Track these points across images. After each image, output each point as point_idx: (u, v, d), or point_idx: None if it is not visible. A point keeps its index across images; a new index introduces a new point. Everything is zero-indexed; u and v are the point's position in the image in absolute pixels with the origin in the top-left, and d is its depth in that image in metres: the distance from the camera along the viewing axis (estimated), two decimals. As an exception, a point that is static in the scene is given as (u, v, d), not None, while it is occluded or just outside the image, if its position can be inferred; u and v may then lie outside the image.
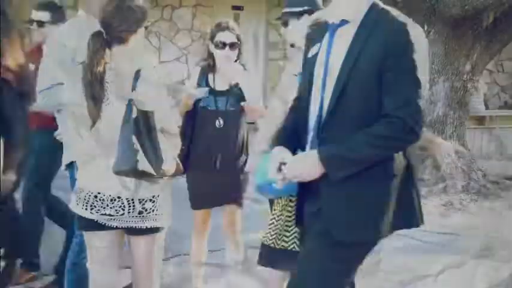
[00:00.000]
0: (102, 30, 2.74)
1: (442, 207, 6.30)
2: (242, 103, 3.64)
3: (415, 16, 7.26)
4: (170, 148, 2.77)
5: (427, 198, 6.55)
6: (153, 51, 10.31)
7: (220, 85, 3.70)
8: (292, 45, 3.37)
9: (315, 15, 2.89)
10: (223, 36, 3.66)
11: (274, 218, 2.97)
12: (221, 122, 3.65)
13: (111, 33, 2.73)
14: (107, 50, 2.73)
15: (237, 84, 3.69)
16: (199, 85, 3.70)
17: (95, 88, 2.68)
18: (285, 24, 3.47)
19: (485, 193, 6.79)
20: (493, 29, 7.33)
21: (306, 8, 3.35)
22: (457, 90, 7.24)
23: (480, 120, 9.56)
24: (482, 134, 9.40)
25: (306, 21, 3.11)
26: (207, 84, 3.70)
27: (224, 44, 3.65)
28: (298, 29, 3.26)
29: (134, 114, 2.64)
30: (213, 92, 3.65)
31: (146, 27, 2.87)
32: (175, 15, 10.50)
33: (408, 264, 4.97)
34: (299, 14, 3.37)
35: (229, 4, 10.86)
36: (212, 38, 3.70)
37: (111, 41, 2.74)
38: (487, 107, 11.94)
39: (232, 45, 3.67)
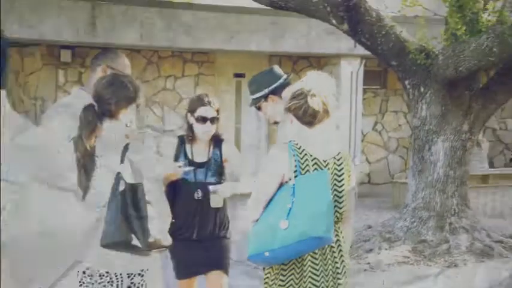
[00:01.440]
0: (94, 103, 2.84)
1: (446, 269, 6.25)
2: (210, 187, 3.70)
3: (411, 79, 7.39)
4: (159, 220, 2.81)
5: (432, 260, 6.50)
6: (156, 121, 10.48)
7: (199, 157, 3.77)
8: (275, 123, 3.47)
9: (293, 86, 3.00)
10: (204, 111, 3.74)
11: None
12: (200, 193, 3.71)
13: (102, 106, 2.82)
14: (98, 124, 2.82)
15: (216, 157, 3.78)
16: (177, 156, 3.76)
17: (85, 161, 2.76)
18: (259, 108, 3.61)
19: (489, 253, 6.72)
20: (488, 89, 7.42)
21: (265, 91, 3.46)
22: (456, 150, 7.27)
23: (484, 178, 9.55)
24: (486, 193, 9.37)
25: (276, 102, 3.22)
26: (186, 156, 3.76)
27: (205, 119, 3.73)
28: (269, 110, 3.39)
29: (122, 187, 2.70)
30: (191, 163, 3.70)
31: (138, 105, 2.96)
32: (178, 85, 10.71)
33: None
34: (264, 98, 3.49)
35: (231, 72, 11.09)
36: (192, 111, 3.78)
37: (102, 115, 2.83)
38: (492, 165, 11.94)
39: (212, 120, 3.75)
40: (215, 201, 3.71)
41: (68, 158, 2.83)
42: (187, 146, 3.79)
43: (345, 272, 2.97)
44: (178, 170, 3.62)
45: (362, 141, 11.62)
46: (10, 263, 2.81)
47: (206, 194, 3.73)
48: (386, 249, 6.77)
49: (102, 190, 2.75)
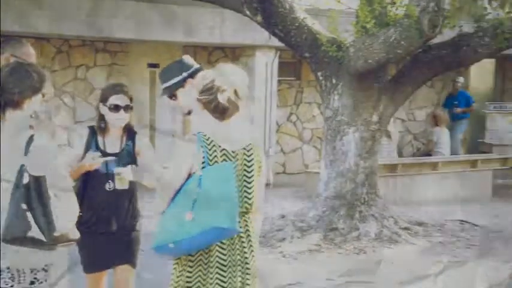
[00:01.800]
0: (-5, 93, 2.74)
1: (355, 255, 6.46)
2: (114, 169, 3.66)
3: (323, 70, 7.54)
4: (66, 214, 2.74)
5: (341, 247, 6.68)
6: (66, 111, 10.20)
7: (111, 147, 3.71)
8: (189, 113, 3.45)
9: (204, 76, 2.98)
10: (117, 99, 3.68)
11: (174, 280, 2.95)
12: (111, 185, 3.66)
13: (5, 96, 2.72)
14: (1, 114, 2.72)
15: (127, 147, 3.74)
16: (87, 147, 3.70)
17: None
18: (172, 97, 3.57)
19: (396, 239, 6.98)
20: (396, 81, 7.67)
21: (184, 75, 3.46)
22: (366, 140, 7.48)
23: (393, 168, 9.87)
24: (395, 182, 9.69)
25: (192, 86, 3.21)
26: (97, 147, 3.70)
27: (118, 107, 3.67)
28: (186, 98, 3.37)
29: (25, 180, 2.62)
30: (103, 154, 3.65)
31: (44, 95, 2.87)
32: (89, 75, 10.46)
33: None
34: (181, 83, 3.47)
35: (144, 62, 10.93)
36: (105, 100, 3.71)
37: (5, 105, 2.73)
38: (401, 155, 12.37)
39: (126, 108, 3.70)
40: (120, 183, 3.67)
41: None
42: (99, 137, 3.72)
43: (254, 262, 3.01)
44: (93, 161, 3.56)
45: (277, 131, 11.76)
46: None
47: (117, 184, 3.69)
48: (298, 238, 6.90)
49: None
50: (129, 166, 3.64)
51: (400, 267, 5.96)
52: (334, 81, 7.53)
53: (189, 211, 2.76)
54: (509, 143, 12.68)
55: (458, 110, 12.36)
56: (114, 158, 3.63)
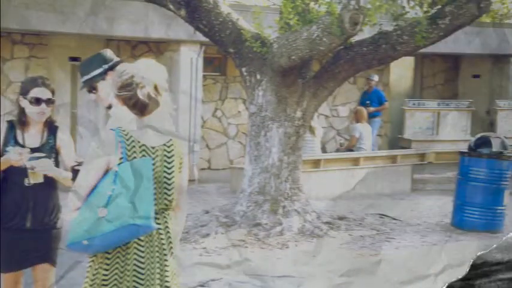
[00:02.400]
0: None
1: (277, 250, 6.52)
2: (26, 163, 3.56)
3: (247, 66, 7.55)
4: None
5: (265, 242, 6.73)
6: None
7: (31, 142, 3.61)
8: (110, 107, 3.37)
9: (123, 72, 2.92)
10: (39, 93, 3.59)
11: (89, 277, 2.89)
12: (31, 179, 3.56)
13: None
14: None
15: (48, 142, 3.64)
16: (6, 141, 3.58)
17: None
18: (92, 90, 3.49)
19: (318, 234, 7.09)
20: (319, 77, 7.77)
21: (104, 67, 3.40)
22: (290, 136, 7.56)
23: (316, 163, 10.01)
24: (318, 177, 9.83)
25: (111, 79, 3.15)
26: (16, 141, 3.59)
27: (39, 101, 3.58)
28: (107, 90, 3.31)
29: None
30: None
31: None
32: (6, 68, 10.09)
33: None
34: (101, 77, 3.41)
35: (65, 55, 10.63)
36: (25, 93, 3.61)
37: None
38: (325, 150, 12.55)
39: (48, 102, 3.61)
40: (33, 177, 3.56)
41: None
42: (18, 131, 3.60)
43: (173, 259, 2.98)
44: (19, 156, 3.44)
45: (202, 127, 11.71)
46: None
47: None
48: (222, 233, 6.90)
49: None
50: (44, 160, 3.53)
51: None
52: (258, 77, 7.56)
53: (102, 208, 2.71)
54: (427, 139, 13.09)
55: (371, 109, 12.59)
56: (42, 154, 3.52)
